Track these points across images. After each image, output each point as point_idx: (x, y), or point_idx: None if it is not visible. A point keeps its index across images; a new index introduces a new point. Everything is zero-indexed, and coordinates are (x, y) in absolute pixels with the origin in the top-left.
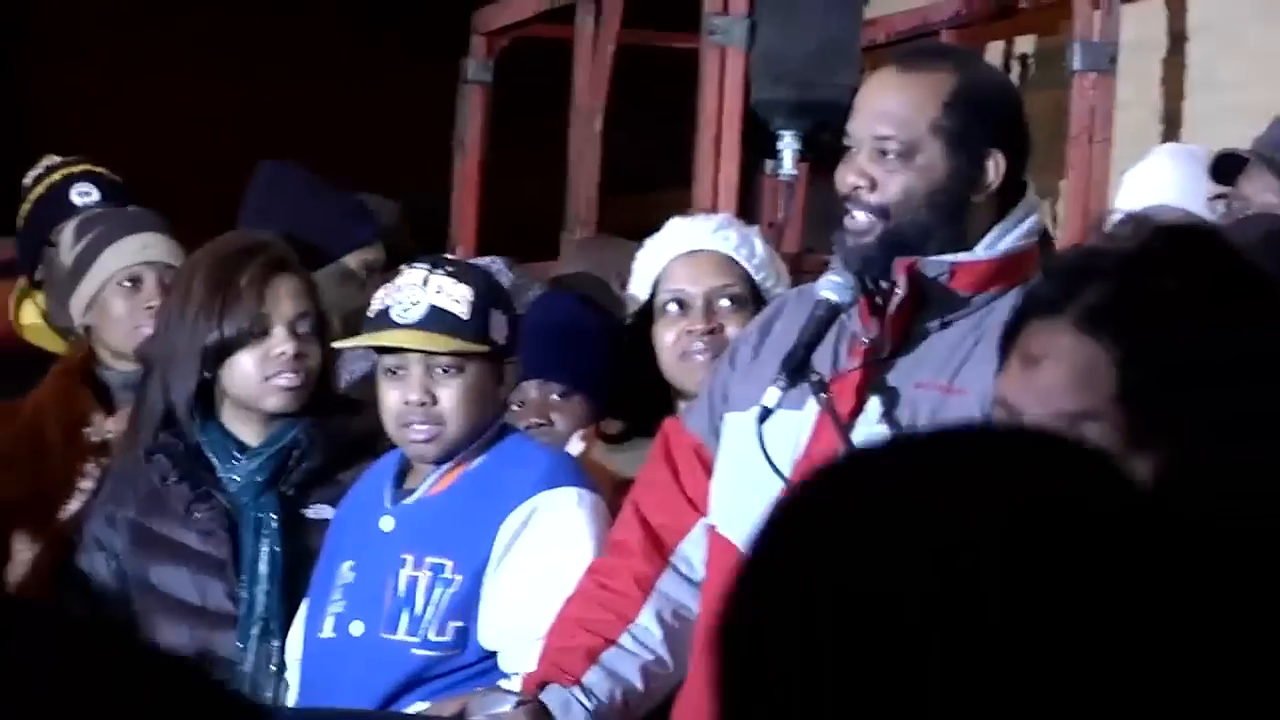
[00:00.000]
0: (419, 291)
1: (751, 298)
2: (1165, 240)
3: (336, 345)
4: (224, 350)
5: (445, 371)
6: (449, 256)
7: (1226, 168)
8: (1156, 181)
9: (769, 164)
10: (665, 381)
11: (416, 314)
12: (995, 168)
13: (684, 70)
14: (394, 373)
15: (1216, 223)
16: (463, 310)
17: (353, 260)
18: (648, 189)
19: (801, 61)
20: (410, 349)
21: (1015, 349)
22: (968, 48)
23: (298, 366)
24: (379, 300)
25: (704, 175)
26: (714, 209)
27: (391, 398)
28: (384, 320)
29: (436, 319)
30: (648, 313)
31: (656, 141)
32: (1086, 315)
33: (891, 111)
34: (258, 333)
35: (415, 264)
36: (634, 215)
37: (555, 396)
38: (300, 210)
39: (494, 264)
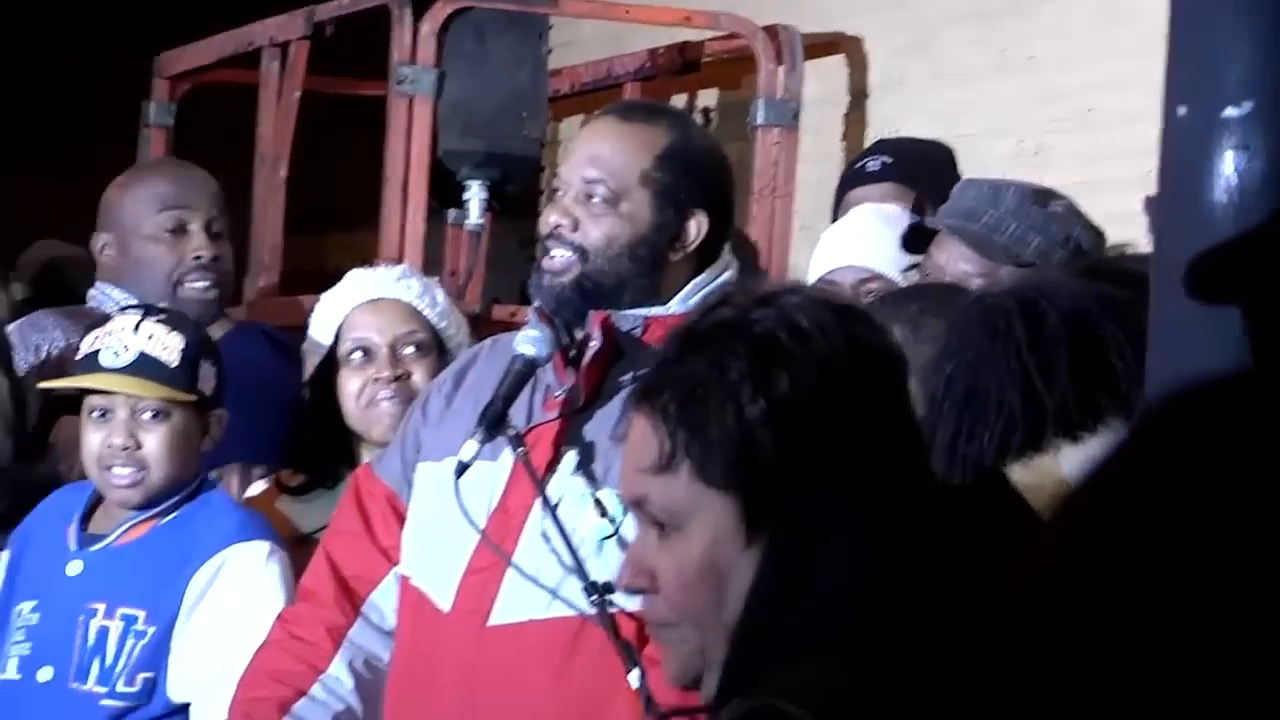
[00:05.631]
0: (130, 337)
1: (435, 345)
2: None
3: (44, 386)
4: None
5: (152, 417)
6: (163, 305)
7: (916, 238)
8: (851, 241)
9: (453, 214)
10: (347, 432)
11: (126, 359)
12: (698, 228)
13: (367, 113)
14: (100, 415)
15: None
16: (173, 359)
17: None
18: (329, 230)
19: (490, 112)
20: (117, 392)
21: None
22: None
23: None
24: (89, 343)
25: (391, 223)
26: (400, 257)
27: (94, 440)
28: (92, 364)
29: (146, 365)
30: (330, 362)
31: (339, 183)
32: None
33: (605, 157)
34: None
35: (129, 309)
36: (316, 257)
37: None
38: None
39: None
